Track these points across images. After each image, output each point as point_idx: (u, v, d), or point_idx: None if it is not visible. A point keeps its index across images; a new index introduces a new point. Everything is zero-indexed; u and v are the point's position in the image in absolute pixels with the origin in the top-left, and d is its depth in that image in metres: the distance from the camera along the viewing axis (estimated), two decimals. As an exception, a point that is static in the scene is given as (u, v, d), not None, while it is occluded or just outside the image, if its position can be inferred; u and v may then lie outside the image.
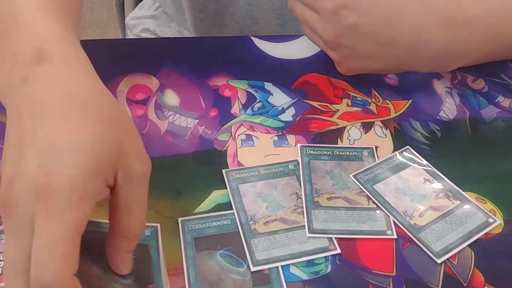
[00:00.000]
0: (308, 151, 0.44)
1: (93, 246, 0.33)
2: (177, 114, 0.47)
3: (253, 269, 0.36)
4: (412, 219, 0.39)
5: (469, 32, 0.45)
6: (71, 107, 0.30)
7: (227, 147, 0.45)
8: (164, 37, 0.70)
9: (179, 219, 0.39)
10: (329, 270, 0.37)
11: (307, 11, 0.46)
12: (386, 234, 0.39)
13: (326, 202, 0.40)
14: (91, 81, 0.33)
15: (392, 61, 0.47)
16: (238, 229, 0.39)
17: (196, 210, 0.40)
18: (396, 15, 0.44)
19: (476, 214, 0.40)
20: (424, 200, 0.41)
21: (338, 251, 0.37)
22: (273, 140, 0.45)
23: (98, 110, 0.31)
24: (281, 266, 0.37)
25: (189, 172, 0.43)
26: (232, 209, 0.40)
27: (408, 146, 0.45)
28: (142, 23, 0.74)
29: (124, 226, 0.32)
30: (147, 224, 0.34)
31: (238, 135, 0.46)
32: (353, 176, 0.42)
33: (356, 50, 0.45)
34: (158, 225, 0.38)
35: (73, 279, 0.28)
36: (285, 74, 0.51)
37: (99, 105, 0.31)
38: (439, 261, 0.37)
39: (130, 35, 0.77)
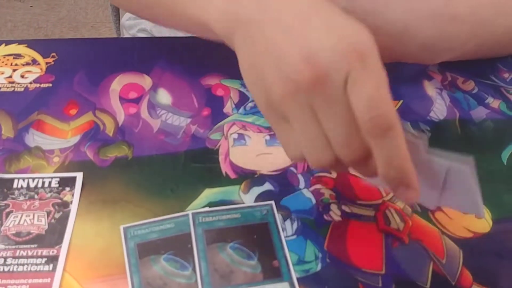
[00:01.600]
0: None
1: None
2: (169, 113, 0.47)
3: None
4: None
5: (456, 27, 0.45)
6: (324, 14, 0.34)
7: (219, 146, 0.45)
8: (157, 37, 0.70)
9: (121, 227, 0.39)
10: (319, 268, 0.37)
11: None
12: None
13: None
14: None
15: (379, 48, 0.47)
16: (181, 232, 0.38)
17: (188, 208, 0.40)
18: (383, 4, 0.44)
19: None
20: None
21: None
22: (265, 139, 0.46)
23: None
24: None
25: (181, 170, 0.43)
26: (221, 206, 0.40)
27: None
28: (138, 23, 0.74)
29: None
30: (262, 203, 0.40)
31: (231, 134, 0.46)
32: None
33: None
34: (273, 202, 0.40)
35: None
36: (278, 74, 0.51)
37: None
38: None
39: (126, 35, 0.77)
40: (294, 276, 0.36)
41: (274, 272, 0.36)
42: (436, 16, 0.44)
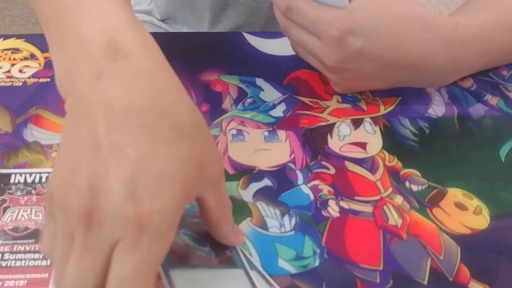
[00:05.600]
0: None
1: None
2: (168, 109, 0.47)
3: None
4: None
5: (466, 49, 0.45)
6: (156, 121, 0.28)
7: (218, 142, 0.45)
8: (156, 32, 0.70)
9: None
10: (317, 264, 0.37)
11: (306, 36, 0.45)
12: None
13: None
14: (171, 83, 0.31)
15: (392, 81, 0.47)
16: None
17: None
18: (399, 38, 0.43)
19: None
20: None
21: None
22: (264, 135, 0.46)
23: (182, 124, 0.29)
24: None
25: (179, 166, 0.43)
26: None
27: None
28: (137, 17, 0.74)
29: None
30: None
31: (229, 130, 0.46)
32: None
33: (358, 73, 0.45)
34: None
35: None
36: (276, 70, 0.51)
37: (182, 116, 0.29)
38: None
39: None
40: (246, 264, 0.36)
41: (227, 260, 0.36)
42: (448, 42, 0.44)
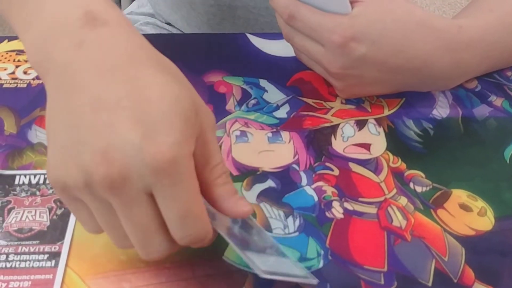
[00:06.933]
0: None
1: None
2: (172, 110, 0.47)
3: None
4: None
5: (470, 53, 0.45)
6: (144, 67, 0.29)
7: (222, 143, 0.45)
8: (160, 34, 0.70)
9: None
10: (321, 265, 0.37)
11: (309, 43, 0.45)
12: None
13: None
14: (147, 42, 0.32)
15: (396, 85, 0.47)
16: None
17: (190, 205, 0.40)
18: (403, 43, 0.43)
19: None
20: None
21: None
22: (267, 137, 0.46)
23: (169, 68, 0.31)
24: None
25: (183, 167, 0.43)
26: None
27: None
28: (141, 18, 0.74)
29: (211, 172, 0.32)
30: None
31: (233, 131, 0.46)
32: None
33: (362, 79, 0.45)
34: None
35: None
36: (280, 71, 0.51)
37: (165, 63, 0.31)
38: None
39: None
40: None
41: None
42: (451, 44, 0.44)
